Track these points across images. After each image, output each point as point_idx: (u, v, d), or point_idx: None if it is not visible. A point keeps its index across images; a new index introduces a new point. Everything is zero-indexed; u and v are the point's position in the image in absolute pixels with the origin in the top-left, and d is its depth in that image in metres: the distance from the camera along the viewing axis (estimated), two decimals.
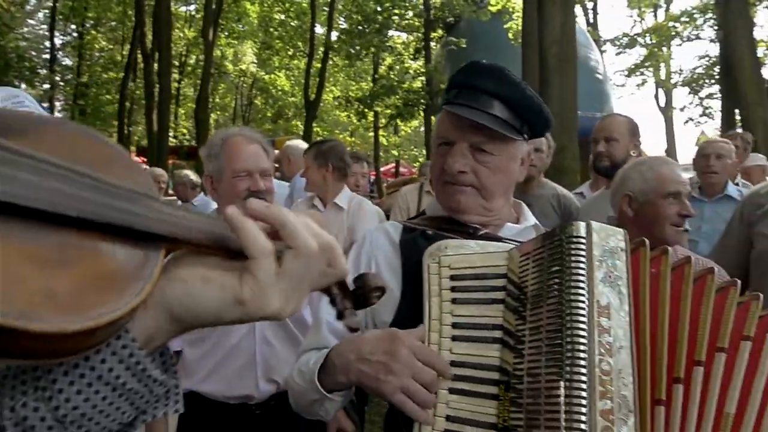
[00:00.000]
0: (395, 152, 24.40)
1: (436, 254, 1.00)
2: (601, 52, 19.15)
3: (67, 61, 24.14)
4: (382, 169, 20.90)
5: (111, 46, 24.72)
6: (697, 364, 0.84)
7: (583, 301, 0.82)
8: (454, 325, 0.95)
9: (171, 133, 18.94)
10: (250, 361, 1.74)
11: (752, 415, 0.83)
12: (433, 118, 16.27)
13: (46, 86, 21.54)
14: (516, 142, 1.14)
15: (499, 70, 1.12)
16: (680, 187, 1.75)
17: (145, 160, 14.24)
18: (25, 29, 24.03)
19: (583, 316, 0.81)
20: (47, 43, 22.91)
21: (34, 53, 22.93)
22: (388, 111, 18.82)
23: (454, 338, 0.94)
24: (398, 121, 19.34)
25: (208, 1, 17.27)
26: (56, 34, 22.60)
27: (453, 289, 0.97)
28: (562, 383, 0.79)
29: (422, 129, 21.63)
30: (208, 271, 0.49)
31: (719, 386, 0.83)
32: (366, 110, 18.90)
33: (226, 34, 23.66)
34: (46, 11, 23.08)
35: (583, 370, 0.78)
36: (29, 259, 0.37)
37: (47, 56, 22.69)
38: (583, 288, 0.83)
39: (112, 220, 0.41)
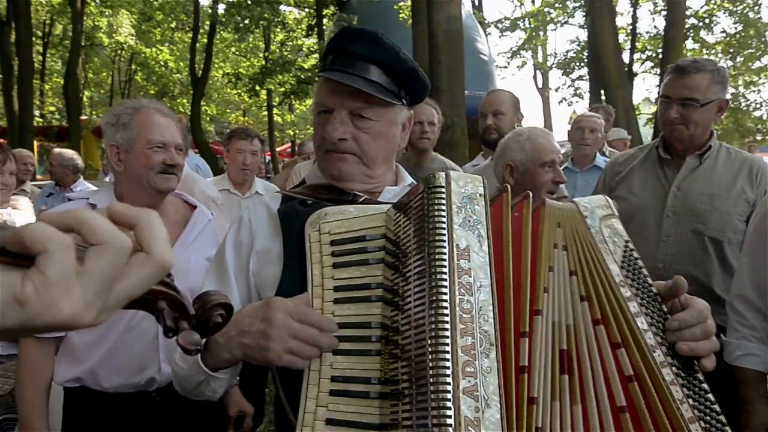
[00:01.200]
0: (291, 131, 23.90)
1: (316, 222, 1.01)
2: (486, 35, 20.07)
3: None
4: (278, 149, 20.41)
5: None
6: (545, 292, 0.92)
7: (443, 245, 0.86)
8: (336, 288, 0.96)
9: (36, 112, 16.97)
10: (152, 343, 1.65)
11: (563, 312, 0.93)
12: None
13: None
14: (395, 106, 1.14)
15: (373, 35, 1.12)
16: (555, 156, 1.92)
17: (4, 141, 12.66)
18: None
19: (444, 260, 0.85)
20: None
21: None
22: (282, 89, 18.34)
23: (336, 301, 0.95)
24: (292, 99, 18.92)
25: None
26: None
27: (333, 254, 0.98)
28: (427, 327, 0.82)
29: None
30: None
31: (553, 302, 0.93)
32: (258, 88, 18.24)
33: (98, 2, 21.49)
34: None
35: (445, 311, 0.82)
36: None
37: None
38: (442, 233, 0.87)
39: None
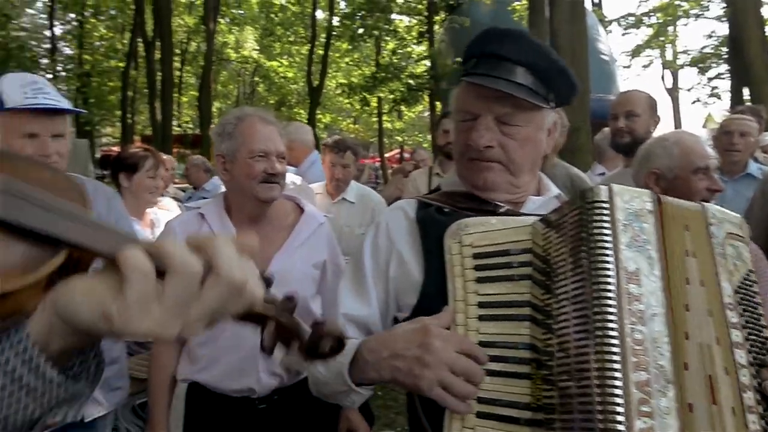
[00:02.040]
0: (399, 138, 24.25)
1: (457, 234, 0.97)
2: (607, 33, 18.88)
3: (68, 51, 24.03)
4: (386, 155, 20.80)
5: (111, 35, 24.56)
6: (688, 309, 0.82)
7: (608, 268, 0.78)
8: (480, 305, 0.92)
9: (174, 122, 18.86)
10: (252, 352, 1.64)
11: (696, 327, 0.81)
12: (437, 103, 16.14)
13: (49, 76, 21.47)
14: (543, 110, 1.08)
15: (519, 34, 1.06)
16: (708, 161, 1.70)
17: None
18: (25, 19, 23.90)
19: (609, 284, 0.78)
20: (47, 33, 22.81)
21: (34, 43, 22.83)
22: (392, 96, 18.66)
23: (481, 318, 0.91)
24: (402, 106, 19.18)
25: None
26: (56, 23, 22.47)
27: (477, 268, 0.94)
28: (592, 356, 0.76)
29: (427, 114, 21.47)
30: (96, 283, 0.48)
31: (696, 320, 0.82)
32: (368, 97, 18.74)
33: (228, 20, 23.44)
34: (46, 0, 22.91)
35: (614, 341, 0.75)
36: None
37: (48, 46, 22.59)
38: (608, 254, 0.79)
39: (12, 220, 0.49)
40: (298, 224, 1.78)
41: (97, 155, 17.04)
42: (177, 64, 21.69)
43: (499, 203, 1.10)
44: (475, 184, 1.11)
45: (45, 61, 21.91)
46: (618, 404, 0.72)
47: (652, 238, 0.82)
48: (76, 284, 0.49)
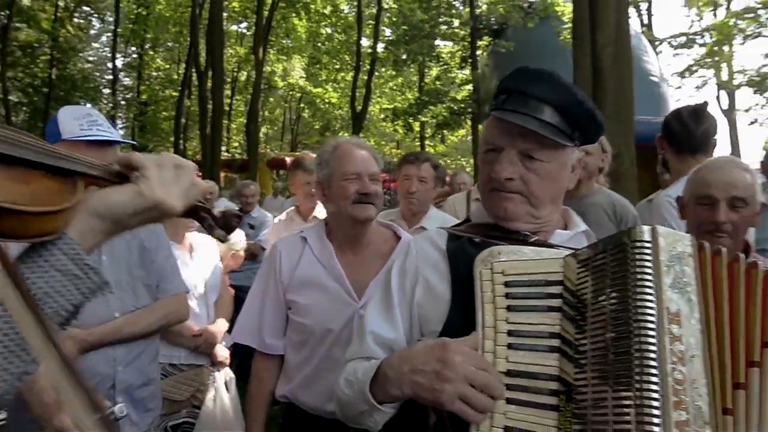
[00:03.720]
0: (442, 162, 24.30)
1: (488, 260, 0.97)
2: (657, 53, 18.44)
3: (128, 81, 25.51)
4: None
5: (168, 66, 25.95)
6: (752, 365, 0.80)
7: (651, 308, 0.79)
8: (510, 333, 0.91)
9: (223, 147, 19.58)
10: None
11: None
12: (480, 126, 16.12)
13: (109, 105, 22.79)
14: (566, 148, 1.10)
15: (549, 75, 1.09)
16: (711, 191, 1.62)
17: (200, 174, 14.76)
18: (90, 52, 25.61)
19: (651, 323, 0.78)
20: (109, 65, 24.31)
21: (97, 74, 24.38)
22: (435, 120, 18.78)
23: (510, 346, 0.90)
24: (444, 130, 19.26)
25: (258, 19, 17.86)
26: (117, 55, 23.95)
27: (507, 296, 0.94)
28: (631, 393, 0.76)
29: (469, 138, 21.45)
30: (115, 187, 0.76)
31: None
32: (412, 121, 18.93)
33: (276, 50, 24.34)
34: (109, 34, 24.48)
35: (654, 379, 0.75)
36: (8, 179, 0.63)
37: (110, 77, 24.05)
38: (650, 294, 0.80)
39: (50, 163, 0.69)
40: (395, 251, 1.78)
41: None
42: (227, 92, 22.62)
43: (527, 233, 1.11)
44: (496, 213, 1.13)
45: (107, 91, 23.30)
46: None
47: (692, 281, 0.82)
48: (103, 191, 0.74)
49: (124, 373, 1.76)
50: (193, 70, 19.60)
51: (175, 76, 24.78)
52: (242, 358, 3.98)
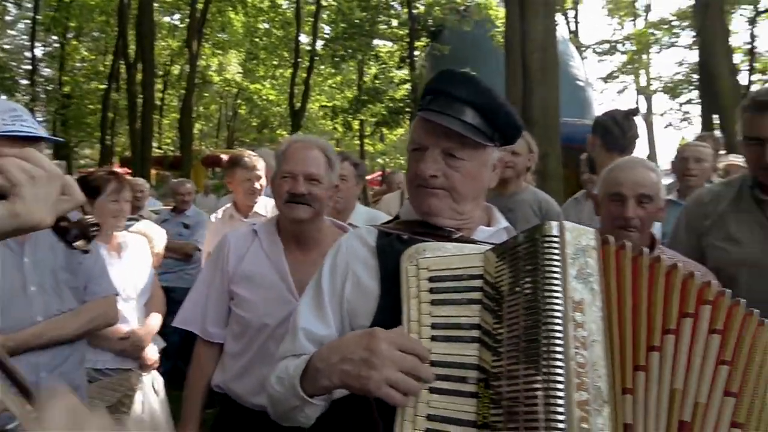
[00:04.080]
0: (381, 160, 24.45)
1: (414, 257, 1.02)
2: (583, 59, 19.44)
3: (49, 72, 23.89)
4: (368, 177, 20.90)
5: (93, 57, 24.52)
6: (652, 350, 0.88)
7: (558, 297, 0.85)
8: (433, 326, 0.96)
9: (155, 144, 18.78)
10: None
11: (693, 384, 0.87)
12: None
13: (27, 98, 21.27)
14: (487, 148, 1.16)
15: (471, 78, 1.15)
16: (622, 189, 1.75)
17: (129, 171, 14.10)
18: (5, 40, 23.77)
19: (558, 311, 0.84)
20: (28, 54, 22.68)
21: (14, 64, 22.67)
22: (374, 119, 18.88)
23: (433, 338, 0.95)
24: (384, 129, 19.41)
25: (192, 11, 17.25)
26: (37, 44, 22.37)
27: (431, 291, 0.99)
28: (539, 376, 0.82)
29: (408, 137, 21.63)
30: None
31: (670, 365, 0.88)
32: (351, 120, 18.93)
33: (211, 43, 23.59)
34: (27, 21, 22.85)
35: (560, 363, 0.81)
36: None
37: (28, 67, 22.44)
38: (557, 285, 0.86)
39: None
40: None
41: (75, 177, 16.80)
42: (159, 86, 21.71)
43: (452, 229, 1.16)
44: (421, 209, 1.18)
45: (25, 82, 21.75)
46: (561, 421, 0.79)
47: (595, 272, 0.89)
48: None
49: (49, 379, 1.69)
50: (122, 62, 18.66)
51: (102, 68, 23.48)
52: (175, 361, 3.87)
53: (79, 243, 0.93)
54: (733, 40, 13.36)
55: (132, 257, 2.53)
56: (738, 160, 4.66)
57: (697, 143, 3.60)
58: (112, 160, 20.96)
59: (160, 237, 3.55)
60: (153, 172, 15.54)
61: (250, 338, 1.76)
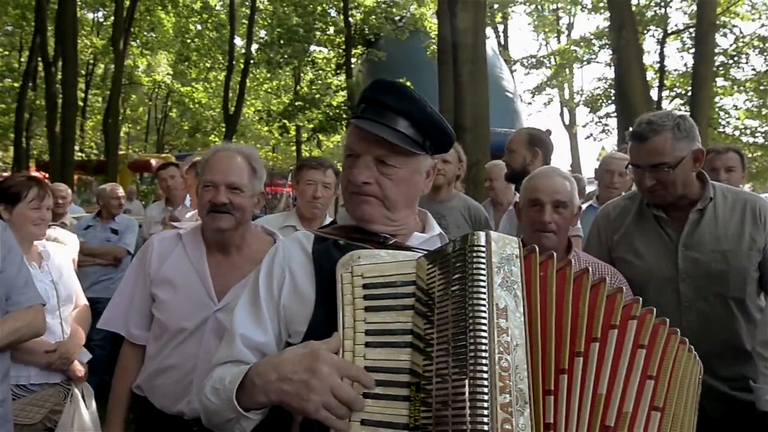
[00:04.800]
0: None
1: (348, 264, 1.03)
2: (512, 72, 20.28)
3: None
4: None
5: (7, 52, 22.80)
6: (577, 355, 0.94)
7: (483, 305, 0.89)
8: (367, 332, 0.98)
9: (77, 147, 17.70)
10: (187, 375, 1.71)
11: (618, 392, 0.95)
12: None
13: None
14: (419, 156, 1.20)
15: (403, 88, 1.19)
16: (539, 195, 1.89)
17: (47, 175, 13.20)
18: None
19: (484, 318, 0.88)
20: None
21: None
22: (311, 125, 18.77)
23: (367, 344, 0.97)
24: (320, 135, 19.33)
25: (118, 9, 16.44)
26: None
27: (366, 297, 1.01)
28: (466, 381, 0.86)
29: None
30: None
31: (594, 371, 0.94)
32: (288, 124, 18.72)
33: (139, 43, 22.57)
34: None
35: (485, 368, 0.85)
36: None
37: None
38: (483, 292, 0.90)
39: None
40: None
41: None
42: (81, 86, 20.49)
43: (386, 236, 1.19)
44: (355, 215, 1.21)
45: None
46: (485, 423, 0.83)
47: (518, 280, 0.94)
48: None
49: None
50: (40, 59, 17.47)
51: (16, 65, 21.88)
52: (101, 375, 3.69)
53: None
54: (646, 59, 14.42)
55: (54, 266, 2.40)
56: None
57: (621, 156, 3.86)
58: (28, 164, 19.54)
59: (73, 243, 3.39)
60: (75, 176, 14.66)
61: (166, 341, 1.76)
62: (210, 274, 1.77)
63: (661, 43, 16.12)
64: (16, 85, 20.44)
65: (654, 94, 14.83)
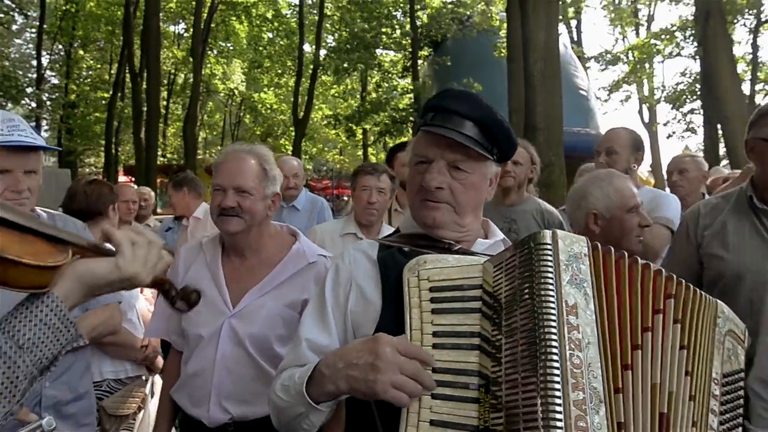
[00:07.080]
0: None
1: (415, 268, 1.05)
2: (586, 69, 19.50)
3: (55, 81, 24.10)
4: None
5: (99, 65, 24.73)
6: (636, 348, 0.93)
7: (552, 302, 0.89)
8: (435, 334, 0.99)
9: (159, 152, 18.88)
10: (207, 383, 1.72)
11: (666, 377, 0.93)
12: None
13: (33, 105, 21.44)
14: (488, 161, 1.21)
15: (472, 95, 1.21)
16: (637, 200, 1.85)
17: (133, 179, 14.17)
18: (12, 49, 24.03)
19: (553, 314, 0.88)
20: (34, 62, 22.89)
21: (20, 72, 22.88)
22: (377, 128, 18.97)
23: (434, 346, 0.98)
24: (387, 138, 19.49)
25: (197, 21, 17.41)
26: (43, 53, 22.57)
27: (432, 300, 1.01)
28: (537, 377, 0.85)
29: None
30: (96, 259, 0.89)
31: (650, 362, 0.93)
32: (354, 128, 19.02)
33: (215, 52, 23.77)
34: (33, 30, 23.09)
35: (556, 364, 0.84)
36: (17, 242, 0.79)
37: (34, 75, 22.64)
38: (552, 290, 0.90)
39: (51, 233, 0.84)
40: (282, 262, 1.78)
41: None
42: (164, 95, 21.85)
43: (452, 242, 1.20)
44: (425, 222, 1.21)
45: (30, 90, 21.90)
46: (558, 419, 0.81)
47: (588, 277, 0.93)
48: (89, 261, 0.87)
49: (52, 388, 1.70)
50: (127, 71, 18.81)
51: (107, 77, 23.66)
52: None
53: (179, 305, 1.09)
54: (736, 50, 13.42)
55: None
56: (719, 174, 4.69)
57: (681, 155, 3.69)
58: (117, 168, 21.06)
59: None
60: (158, 180, 15.61)
61: (191, 348, 1.79)
62: (226, 280, 1.77)
63: (754, 32, 14.95)
64: (106, 95, 22.12)
65: (746, 88, 13.78)
